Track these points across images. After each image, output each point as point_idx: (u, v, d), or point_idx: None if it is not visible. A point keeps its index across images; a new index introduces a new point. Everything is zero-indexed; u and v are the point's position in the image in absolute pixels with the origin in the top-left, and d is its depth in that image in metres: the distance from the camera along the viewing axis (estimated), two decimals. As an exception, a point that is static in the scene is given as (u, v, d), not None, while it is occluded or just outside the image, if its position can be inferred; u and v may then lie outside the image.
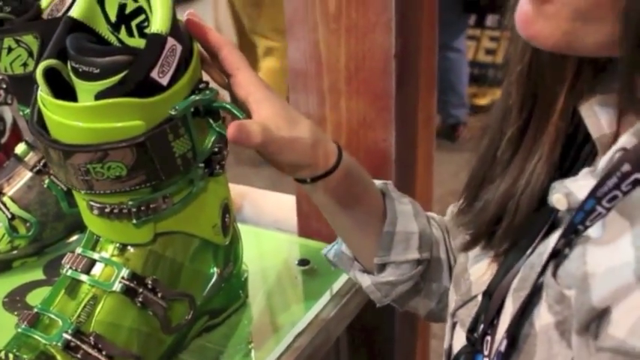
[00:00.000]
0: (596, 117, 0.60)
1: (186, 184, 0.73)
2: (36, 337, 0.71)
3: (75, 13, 0.70)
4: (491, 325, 0.64)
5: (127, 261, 0.74)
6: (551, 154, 0.64)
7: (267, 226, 1.13)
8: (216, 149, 0.74)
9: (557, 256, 0.58)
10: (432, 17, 1.00)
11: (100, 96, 0.65)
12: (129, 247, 0.74)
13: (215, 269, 0.82)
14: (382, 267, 0.82)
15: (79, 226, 1.02)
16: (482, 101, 4.80)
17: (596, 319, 0.51)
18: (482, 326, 0.65)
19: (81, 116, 0.64)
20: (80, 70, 0.66)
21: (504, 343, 0.60)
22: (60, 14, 0.91)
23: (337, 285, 0.95)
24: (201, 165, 0.73)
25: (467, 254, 0.73)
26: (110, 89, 0.64)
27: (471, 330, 0.67)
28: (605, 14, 0.51)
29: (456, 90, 4.35)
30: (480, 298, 0.68)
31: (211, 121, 0.71)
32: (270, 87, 0.73)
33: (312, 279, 0.96)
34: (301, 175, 0.74)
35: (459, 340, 0.69)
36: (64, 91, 0.68)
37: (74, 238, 1.04)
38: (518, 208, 0.64)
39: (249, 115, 0.70)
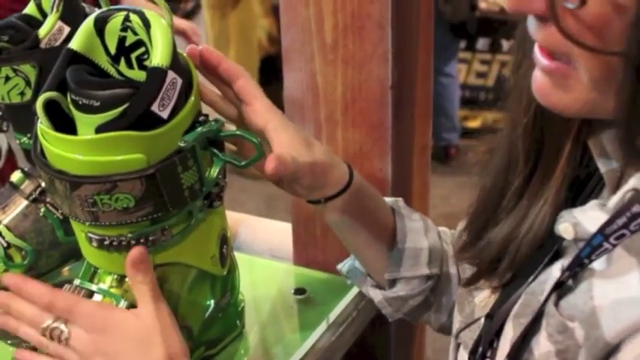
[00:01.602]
0: (604, 149, 0.61)
1: (186, 216, 0.73)
2: (33, 369, 0.70)
3: (75, 44, 0.71)
4: (491, 348, 0.66)
5: (125, 292, 0.73)
6: (557, 198, 0.65)
7: (263, 253, 1.13)
8: (220, 186, 0.75)
9: (560, 286, 0.60)
10: (428, 47, 1.01)
11: (100, 129, 0.65)
12: (127, 279, 0.74)
13: (212, 300, 0.82)
14: (393, 282, 0.84)
15: (75, 255, 1.02)
16: (474, 124, 4.83)
17: (610, 354, 0.53)
18: (481, 349, 0.67)
19: (81, 149, 0.65)
20: (80, 102, 0.67)
21: None
22: (58, 43, 0.91)
23: (334, 314, 0.95)
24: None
25: (461, 285, 0.75)
26: (111, 122, 0.65)
27: (473, 352, 0.69)
28: (616, 86, 0.51)
29: (448, 114, 4.38)
30: (482, 321, 0.69)
31: (216, 151, 0.71)
32: (283, 114, 0.75)
33: (309, 308, 0.96)
34: (315, 197, 0.77)
35: None
36: (63, 122, 0.68)
37: (69, 267, 1.04)
38: (519, 249, 0.66)
39: (265, 142, 0.72)
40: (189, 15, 4.73)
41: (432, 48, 1.01)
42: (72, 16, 0.91)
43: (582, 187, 0.66)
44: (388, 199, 0.86)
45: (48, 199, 0.97)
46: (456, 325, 0.74)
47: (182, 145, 0.66)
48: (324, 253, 1.06)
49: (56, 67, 0.70)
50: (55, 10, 0.90)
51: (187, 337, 0.78)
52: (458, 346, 0.74)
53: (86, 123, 0.67)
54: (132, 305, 0.73)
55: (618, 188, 0.59)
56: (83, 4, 0.94)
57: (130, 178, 0.64)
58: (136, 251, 0.70)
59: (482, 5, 4.79)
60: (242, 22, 4.24)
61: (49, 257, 1.01)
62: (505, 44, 4.65)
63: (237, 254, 0.89)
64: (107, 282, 0.74)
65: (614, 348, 0.53)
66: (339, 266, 0.91)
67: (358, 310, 0.98)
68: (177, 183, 0.67)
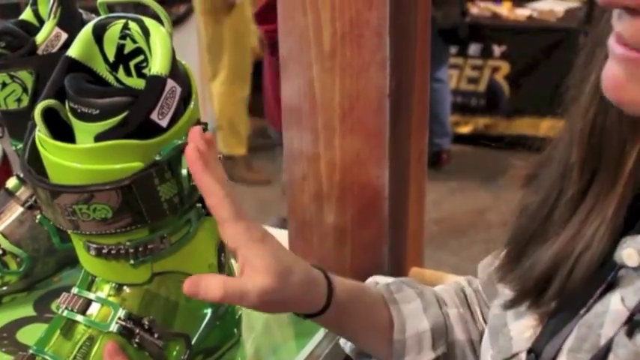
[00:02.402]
0: None
1: (184, 224, 0.73)
2: (31, 379, 0.70)
3: (73, 52, 0.70)
4: None
5: (123, 301, 0.73)
6: (616, 217, 0.60)
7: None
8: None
9: (631, 320, 0.56)
10: (424, 55, 1.01)
11: (100, 137, 0.65)
12: (125, 287, 0.73)
13: (210, 308, 0.82)
14: None
15: (71, 262, 1.02)
16: (465, 129, 4.86)
17: None
18: None
19: (80, 158, 0.64)
20: (79, 110, 0.66)
21: None
22: (55, 50, 0.91)
23: (330, 322, 0.95)
24: (199, 205, 0.73)
25: (501, 306, 0.70)
26: (110, 130, 0.64)
27: None
28: None
29: (439, 119, 4.41)
30: (523, 356, 0.66)
31: None
32: (263, 232, 0.71)
33: (306, 316, 0.96)
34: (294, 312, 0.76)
35: None
36: (61, 131, 0.68)
37: (64, 273, 1.04)
38: (574, 270, 0.61)
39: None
40: (181, 19, 4.74)
41: (429, 56, 1.02)
42: (69, 23, 0.91)
43: (638, 213, 0.61)
44: (380, 286, 0.85)
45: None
46: (487, 359, 0.71)
47: (157, 158, 0.66)
48: (321, 261, 1.05)
49: (54, 75, 0.70)
50: (52, 16, 0.90)
51: (185, 346, 0.78)
52: None
53: (85, 131, 0.67)
54: (130, 314, 0.73)
55: None
56: (81, 11, 0.94)
57: (106, 189, 0.64)
58: (108, 347, 0.70)
59: (474, 11, 4.83)
60: (235, 28, 4.25)
61: (45, 264, 1.01)
62: (496, 50, 4.69)
63: (233, 262, 0.89)
64: (105, 290, 0.74)
65: None
66: (342, 343, 0.89)
67: (355, 318, 0.98)
68: (155, 195, 0.67)
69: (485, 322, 0.84)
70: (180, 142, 0.67)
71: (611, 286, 0.60)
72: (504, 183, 3.62)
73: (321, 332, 0.94)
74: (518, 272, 0.66)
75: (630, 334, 0.55)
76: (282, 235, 1.12)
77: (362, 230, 1.04)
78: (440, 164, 4.49)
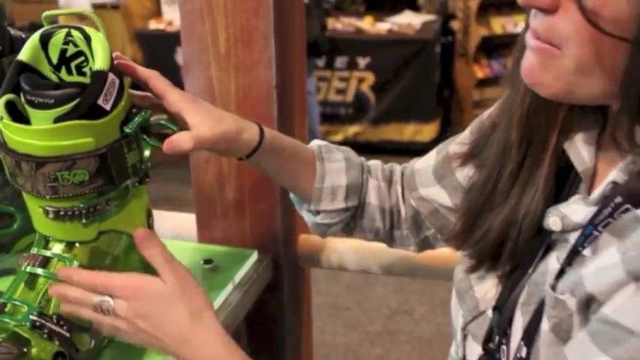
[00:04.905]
0: (580, 154, 0.70)
1: (122, 190, 0.91)
2: (5, 320, 0.86)
3: (23, 56, 0.87)
4: (505, 335, 0.72)
5: (75, 256, 0.90)
6: (546, 185, 0.72)
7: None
8: (145, 162, 0.92)
9: (559, 275, 0.66)
10: (302, 53, 1.23)
11: (58, 120, 0.82)
12: (76, 244, 0.90)
13: (141, 265, 0.99)
14: (317, 212, 1.00)
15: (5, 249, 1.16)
16: (336, 137, 5.05)
17: (592, 304, 0.60)
18: (497, 337, 0.73)
19: (43, 137, 0.81)
20: (36, 101, 0.83)
21: (524, 350, 0.68)
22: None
23: (238, 277, 1.14)
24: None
25: (464, 271, 0.82)
26: (66, 114, 0.81)
27: (487, 341, 0.75)
28: (602, 71, 0.59)
29: (310, 129, 4.61)
30: (489, 313, 0.76)
31: (145, 136, 0.89)
32: (195, 97, 0.91)
33: (217, 274, 1.15)
34: (237, 155, 0.93)
35: (473, 351, 0.78)
36: (17, 119, 0.84)
37: None
38: (520, 233, 0.72)
39: (184, 125, 0.88)
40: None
41: (305, 54, 1.23)
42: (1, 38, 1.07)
43: (562, 186, 0.72)
44: (313, 143, 1.02)
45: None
46: (459, 319, 0.81)
47: (128, 131, 0.84)
48: (225, 231, 1.25)
49: (9, 75, 0.86)
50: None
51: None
52: (465, 337, 0.80)
53: (42, 118, 0.83)
54: (82, 265, 0.89)
55: (592, 183, 0.69)
56: (9, 28, 1.10)
57: (87, 157, 0.82)
58: (139, 232, 0.84)
59: (338, 26, 5.07)
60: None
61: None
62: (361, 62, 4.94)
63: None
64: (59, 248, 0.90)
65: (597, 299, 0.60)
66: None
67: (258, 274, 1.18)
68: (123, 161, 0.85)
69: (404, 200, 1.02)
70: (142, 118, 0.86)
71: (549, 248, 0.71)
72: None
73: (230, 286, 1.13)
74: (474, 240, 0.78)
75: (554, 286, 0.65)
76: (188, 217, 1.31)
77: (257, 204, 1.24)
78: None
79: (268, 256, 1.23)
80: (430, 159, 1.00)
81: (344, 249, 1.32)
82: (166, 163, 2.83)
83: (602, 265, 0.60)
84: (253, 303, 1.17)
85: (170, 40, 4.61)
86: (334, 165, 1.00)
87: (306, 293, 1.39)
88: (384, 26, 5.09)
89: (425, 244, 1.03)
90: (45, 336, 0.86)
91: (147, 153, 0.90)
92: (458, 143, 0.94)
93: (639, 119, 0.60)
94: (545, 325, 0.66)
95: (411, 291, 3.49)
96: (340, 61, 4.91)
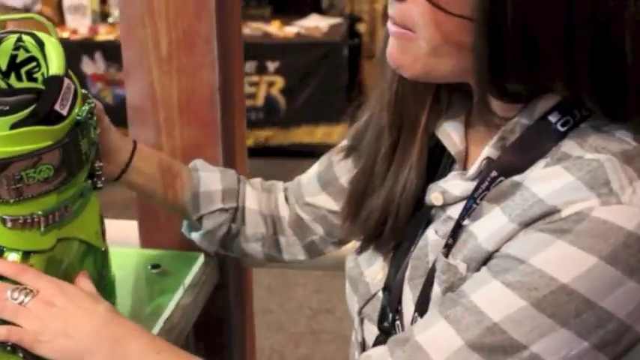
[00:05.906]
0: (450, 137, 0.75)
1: (79, 195, 0.90)
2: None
3: (-31, 64, 0.86)
4: (397, 312, 0.76)
5: (31, 266, 0.88)
6: (419, 163, 0.77)
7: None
8: (97, 167, 0.92)
9: (447, 247, 0.71)
10: (239, 57, 1.24)
11: (14, 126, 0.80)
12: (32, 254, 0.88)
13: (96, 273, 0.99)
14: (199, 221, 1.03)
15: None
16: (247, 142, 5.02)
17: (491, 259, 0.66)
18: (390, 315, 0.77)
19: (2, 143, 0.80)
20: (-10, 109, 0.82)
21: (418, 320, 0.72)
22: None
23: (188, 280, 1.14)
24: (89, 180, 0.91)
25: (356, 259, 0.86)
26: (22, 121, 0.80)
27: (381, 321, 0.79)
28: (453, 50, 0.65)
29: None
30: (380, 294, 0.80)
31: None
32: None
33: (167, 278, 1.14)
34: (111, 177, 0.96)
35: (370, 333, 0.82)
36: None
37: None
38: (399, 209, 0.77)
39: None
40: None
41: (242, 57, 1.25)
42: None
43: (438, 164, 0.78)
44: (192, 163, 1.07)
45: None
46: (354, 305, 0.84)
47: (79, 118, 0.84)
48: (168, 234, 1.24)
49: (-43, 84, 0.85)
50: None
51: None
52: (362, 321, 0.83)
53: (-3, 124, 0.82)
54: (39, 274, 0.88)
55: (467, 161, 0.74)
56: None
57: (53, 149, 0.81)
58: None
59: (246, 31, 5.05)
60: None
61: None
62: (270, 66, 4.95)
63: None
64: (14, 258, 0.88)
65: (491, 253, 0.66)
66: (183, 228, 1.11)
67: (206, 275, 1.18)
68: (79, 148, 0.85)
69: (288, 205, 1.05)
70: (91, 106, 0.85)
71: (428, 224, 0.76)
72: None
73: (181, 289, 1.13)
74: (359, 222, 0.83)
75: (447, 254, 0.71)
76: (128, 225, 1.30)
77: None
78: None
79: (214, 258, 1.23)
80: (314, 169, 1.05)
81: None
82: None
83: (494, 230, 0.65)
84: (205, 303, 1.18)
85: (75, 49, 4.50)
86: (209, 174, 1.05)
87: (249, 293, 1.40)
88: (291, 30, 5.11)
89: (313, 249, 1.06)
90: (8, 348, 0.85)
91: (94, 134, 0.91)
92: (339, 147, 0.99)
93: (495, 93, 0.66)
94: (437, 290, 0.70)
95: (331, 290, 3.52)
96: (249, 65, 4.90)
